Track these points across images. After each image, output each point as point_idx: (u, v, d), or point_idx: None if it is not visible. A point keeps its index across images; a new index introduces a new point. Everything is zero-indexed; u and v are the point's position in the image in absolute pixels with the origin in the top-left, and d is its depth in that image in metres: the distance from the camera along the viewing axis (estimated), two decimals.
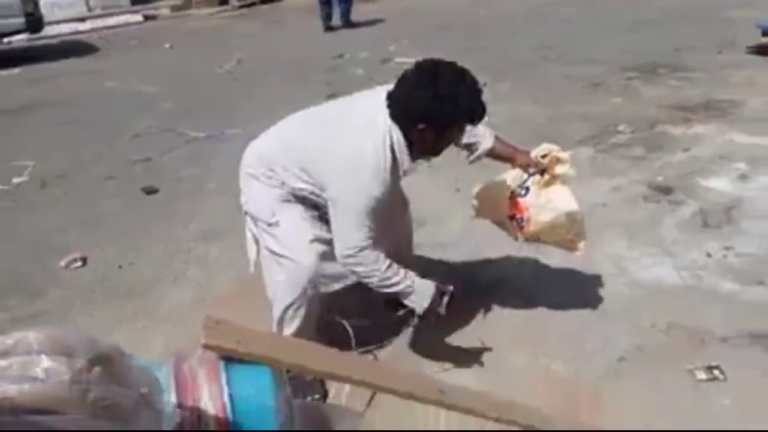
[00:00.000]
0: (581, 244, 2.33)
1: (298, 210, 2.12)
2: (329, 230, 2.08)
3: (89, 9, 12.29)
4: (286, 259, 2.08)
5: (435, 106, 1.88)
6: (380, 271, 1.99)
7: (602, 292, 2.64)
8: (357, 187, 1.93)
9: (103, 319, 2.71)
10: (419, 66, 1.97)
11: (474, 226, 2.93)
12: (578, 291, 2.66)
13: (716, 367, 2.14)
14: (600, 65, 6.07)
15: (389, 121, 1.96)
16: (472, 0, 11.11)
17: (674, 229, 3.09)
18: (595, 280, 2.72)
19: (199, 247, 3.30)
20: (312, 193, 2.09)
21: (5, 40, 9.41)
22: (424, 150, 2.04)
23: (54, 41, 10.39)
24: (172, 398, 1.21)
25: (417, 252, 2.71)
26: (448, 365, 2.27)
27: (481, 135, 2.28)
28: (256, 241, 2.26)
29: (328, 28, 9.06)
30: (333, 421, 1.52)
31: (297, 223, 2.10)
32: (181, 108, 5.94)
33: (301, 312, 2.10)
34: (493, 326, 2.48)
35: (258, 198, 2.15)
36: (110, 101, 6.44)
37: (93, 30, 11.34)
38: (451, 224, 3.27)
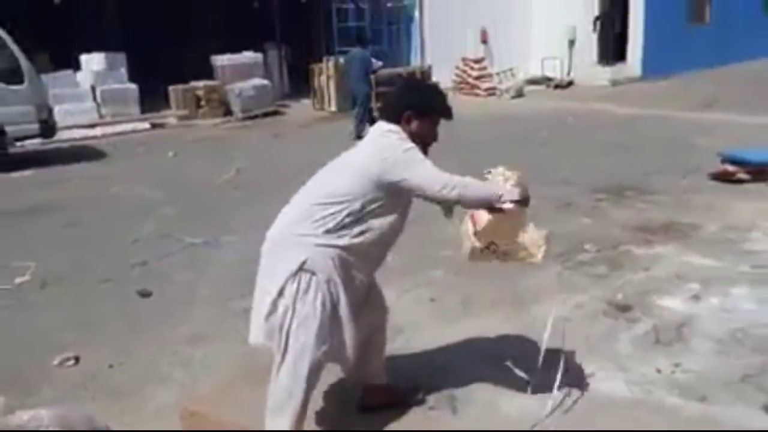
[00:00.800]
0: (540, 254, 2.70)
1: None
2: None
3: (101, 116, 13.03)
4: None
5: (416, 96, 2.56)
6: (466, 184, 2.39)
7: (557, 400, 2.85)
8: (400, 146, 2.39)
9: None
10: (406, 81, 2.56)
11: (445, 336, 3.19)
12: (534, 399, 2.86)
13: None
14: (572, 186, 6.54)
15: (388, 125, 2.47)
16: (458, 120, 11.89)
17: (629, 344, 3.34)
18: (550, 393, 2.93)
19: (186, 349, 3.51)
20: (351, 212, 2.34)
21: (18, 144, 9.96)
22: (412, 137, 2.46)
23: (65, 145, 10.96)
24: None
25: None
26: None
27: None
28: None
29: (358, 137, 9.77)
30: None
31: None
32: (181, 214, 6.30)
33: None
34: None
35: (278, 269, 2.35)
36: (114, 206, 6.82)
37: (103, 136, 11.99)
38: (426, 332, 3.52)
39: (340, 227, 2.33)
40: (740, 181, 6.27)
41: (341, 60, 14.22)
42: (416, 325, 3.64)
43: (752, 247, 4.55)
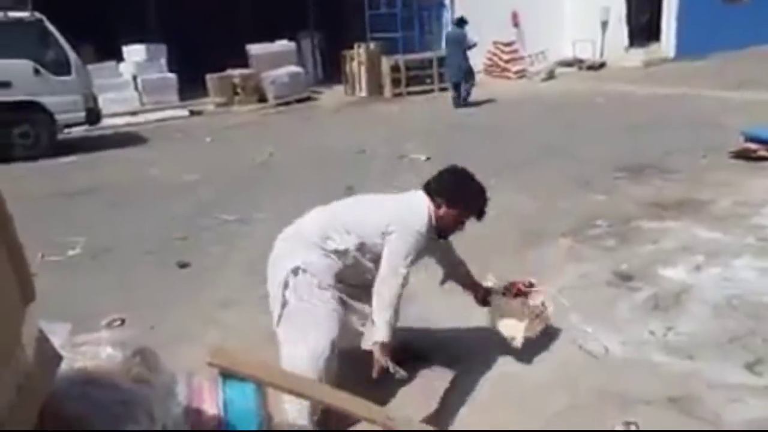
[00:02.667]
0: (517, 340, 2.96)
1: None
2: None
3: (142, 104, 13.60)
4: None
5: (468, 193, 2.74)
6: (397, 291, 2.58)
7: (554, 358, 3.09)
8: (413, 223, 2.61)
9: None
10: (458, 168, 2.86)
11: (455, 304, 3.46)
12: (535, 356, 3.11)
13: (633, 423, 2.55)
14: (593, 165, 6.68)
15: (425, 202, 2.70)
16: (488, 102, 12.05)
17: (627, 310, 3.54)
18: (551, 349, 3.17)
19: (218, 313, 3.86)
20: (358, 248, 2.59)
21: (66, 130, 10.54)
22: (440, 225, 2.70)
23: (108, 132, 11.54)
24: (183, 398, 1.75)
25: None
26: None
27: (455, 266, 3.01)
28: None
29: (458, 105, 11.63)
30: None
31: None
32: (216, 194, 6.69)
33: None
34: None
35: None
36: (154, 187, 7.26)
37: (144, 123, 12.55)
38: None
39: (345, 252, 2.59)
40: (761, 159, 6.30)
41: (372, 46, 14.47)
42: (429, 293, 3.90)
43: (761, 222, 4.66)
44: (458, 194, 2.71)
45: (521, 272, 4.08)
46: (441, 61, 14.40)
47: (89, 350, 1.40)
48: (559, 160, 7.11)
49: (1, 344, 1.05)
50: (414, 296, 3.76)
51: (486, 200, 2.80)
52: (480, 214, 2.78)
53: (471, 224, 4.98)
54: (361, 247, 2.61)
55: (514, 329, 3.02)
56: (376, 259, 2.62)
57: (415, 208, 2.68)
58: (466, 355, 3.16)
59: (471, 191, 2.76)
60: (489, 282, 3.35)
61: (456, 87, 11.74)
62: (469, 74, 11.71)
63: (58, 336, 1.38)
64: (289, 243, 2.67)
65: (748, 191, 5.37)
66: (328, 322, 2.50)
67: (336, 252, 2.59)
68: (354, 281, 2.67)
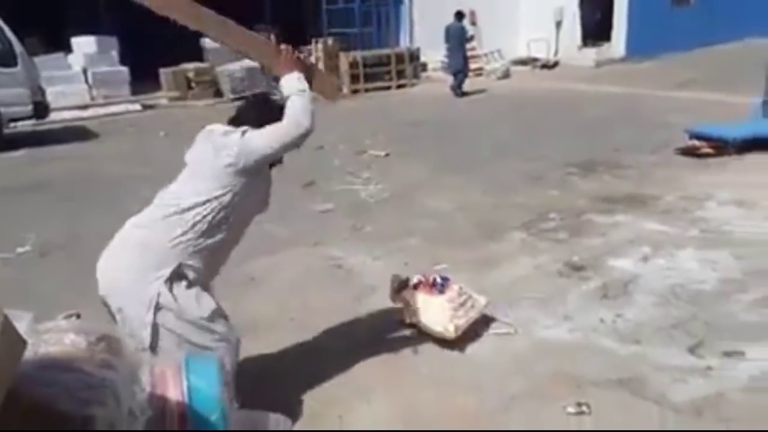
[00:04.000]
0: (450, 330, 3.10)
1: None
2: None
3: (92, 98, 13.23)
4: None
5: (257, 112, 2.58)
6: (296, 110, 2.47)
7: (508, 345, 3.20)
8: (241, 132, 2.43)
9: None
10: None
11: None
12: (489, 343, 3.21)
13: (585, 404, 2.67)
14: (546, 161, 6.87)
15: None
16: (444, 100, 12.21)
17: (578, 299, 3.68)
18: (504, 336, 3.28)
19: None
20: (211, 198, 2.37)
21: (12, 124, 10.18)
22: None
23: (57, 126, 11.19)
24: (147, 385, 1.75)
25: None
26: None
27: None
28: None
29: (458, 95, 12.37)
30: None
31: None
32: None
33: None
34: (415, 361, 3.02)
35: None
36: (106, 182, 7.10)
37: (94, 117, 12.22)
38: None
39: (207, 230, 2.37)
40: (705, 156, 6.60)
41: (330, 41, 14.44)
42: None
43: (704, 215, 4.89)
44: (250, 113, 2.60)
45: (476, 264, 4.21)
46: (399, 57, 14.51)
47: (53, 337, 1.40)
48: (514, 156, 7.27)
49: None
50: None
51: (275, 107, 2.60)
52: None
53: (427, 217, 5.12)
54: (218, 209, 2.37)
55: (440, 320, 3.13)
56: (252, 194, 2.47)
57: (211, 138, 2.51)
58: (419, 338, 3.24)
59: (261, 106, 2.69)
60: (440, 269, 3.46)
61: (456, 77, 12.43)
62: (465, 64, 12.54)
63: (21, 323, 1.38)
64: (141, 250, 2.37)
65: (693, 186, 5.62)
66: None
67: (199, 236, 2.36)
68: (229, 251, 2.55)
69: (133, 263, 2.36)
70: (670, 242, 4.39)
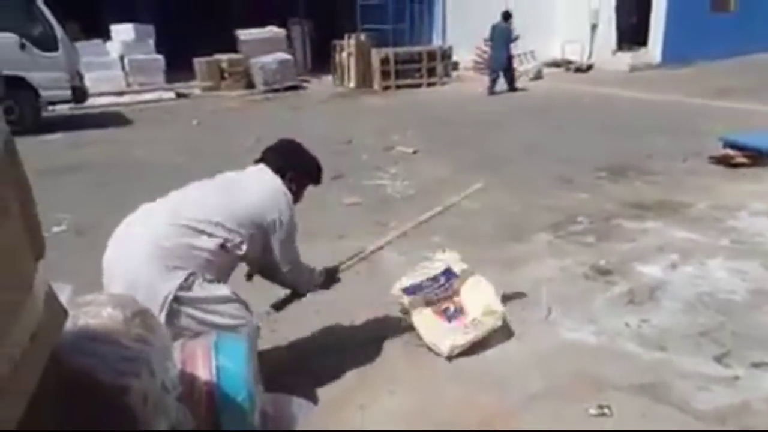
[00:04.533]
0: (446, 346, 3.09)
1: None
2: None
3: (128, 84, 13.49)
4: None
5: (304, 161, 2.85)
6: (308, 275, 2.85)
7: (531, 344, 3.19)
8: (286, 207, 2.62)
9: None
10: (288, 140, 2.95)
11: None
12: (513, 342, 3.21)
13: (606, 407, 2.66)
14: (576, 164, 6.81)
15: (280, 182, 2.69)
16: (475, 98, 12.17)
17: (603, 303, 3.65)
18: (528, 336, 3.28)
19: None
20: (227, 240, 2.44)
21: (50, 108, 10.44)
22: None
23: (94, 111, 11.44)
24: (178, 362, 1.81)
25: None
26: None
27: None
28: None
29: (492, 93, 12.59)
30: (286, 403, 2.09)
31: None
32: (201, 177, 6.68)
33: None
34: (433, 361, 3.03)
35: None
36: (139, 167, 7.25)
37: (129, 103, 12.46)
38: None
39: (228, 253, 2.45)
40: (739, 165, 6.48)
41: (362, 38, 14.49)
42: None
43: (736, 225, 4.81)
44: (301, 164, 2.82)
45: (500, 263, 4.21)
46: (430, 55, 14.49)
47: (92, 310, 1.45)
48: (544, 158, 7.23)
49: (15, 293, 1.10)
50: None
51: (320, 166, 2.93)
52: (318, 180, 2.94)
53: (453, 215, 5.09)
54: (234, 240, 2.46)
55: (437, 336, 3.12)
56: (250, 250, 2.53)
57: (278, 187, 2.64)
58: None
59: (310, 159, 2.88)
60: (442, 254, 3.48)
61: (494, 76, 12.70)
62: (509, 63, 12.85)
63: (62, 295, 1.43)
64: (152, 256, 2.34)
65: (725, 196, 5.52)
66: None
67: (210, 258, 2.40)
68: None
69: (152, 259, 2.33)
70: (700, 250, 4.33)
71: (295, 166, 2.77)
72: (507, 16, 12.75)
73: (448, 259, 3.42)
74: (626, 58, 15.71)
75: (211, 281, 2.39)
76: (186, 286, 2.29)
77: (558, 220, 5.05)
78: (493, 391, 2.81)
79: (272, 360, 3.03)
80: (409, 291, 3.25)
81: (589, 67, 15.93)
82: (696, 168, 6.56)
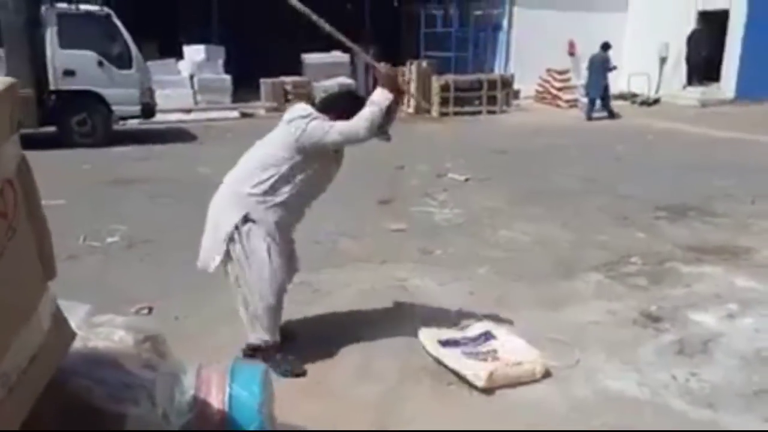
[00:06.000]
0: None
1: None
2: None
3: (196, 102, 14.01)
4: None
5: (344, 101, 3.16)
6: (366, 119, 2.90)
7: (568, 391, 3.05)
8: (302, 112, 2.98)
9: None
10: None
11: None
12: (550, 387, 3.08)
13: None
14: (635, 201, 6.57)
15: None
16: (535, 129, 11.99)
17: (651, 352, 3.46)
18: (567, 381, 3.13)
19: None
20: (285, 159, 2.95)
21: (121, 122, 10.94)
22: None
23: (161, 127, 11.91)
24: (191, 388, 1.80)
25: None
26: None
27: None
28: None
29: (590, 119, 13.25)
30: None
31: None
32: None
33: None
34: (467, 395, 2.93)
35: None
36: (199, 183, 7.41)
37: (195, 121, 12.92)
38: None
39: (275, 187, 2.94)
40: None
41: (424, 64, 14.57)
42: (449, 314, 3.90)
43: None
44: (334, 101, 3.18)
45: (545, 302, 4.06)
46: (491, 83, 14.42)
47: (103, 331, 1.47)
48: (600, 192, 7.02)
49: (18, 315, 1.12)
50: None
51: (359, 97, 3.14)
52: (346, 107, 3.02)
53: (500, 248, 4.98)
54: (285, 172, 2.94)
55: (472, 365, 3.06)
56: (306, 170, 2.98)
57: (295, 112, 3.01)
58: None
59: (343, 95, 3.36)
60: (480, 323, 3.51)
61: (592, 102, 13.43)
62: (606, 92, 13.46)
63: (77, 314, 1.45)
64: (229, 194, 3.05)
65: None
66: (272, 267, 2.98)
67: (267, 191, 2.95)
68: (295, 215, 3.12)
69: (223, 203, 3.06)
70: (762, 301, 4.06)
71: (329, 103, 3.17)
72: (606, 46, 13.37)
73: (485, 326, 3.45)
74: (696, 93, 15.17)
75: (262, 231, 2.96)
76: (242, 227, 2.95)
77: (610, 259, 4.86)
78: None
79: (297, 381, 3.03)
80: (444, 344, 3.24)
81: (656, 101, 15.46)
82: (764, 211, 6.20)
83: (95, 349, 1.39)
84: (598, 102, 13.40)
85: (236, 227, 2.93)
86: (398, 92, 3.05)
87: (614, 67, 13.46)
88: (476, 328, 3.43)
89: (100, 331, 1.47)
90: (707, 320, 3.81)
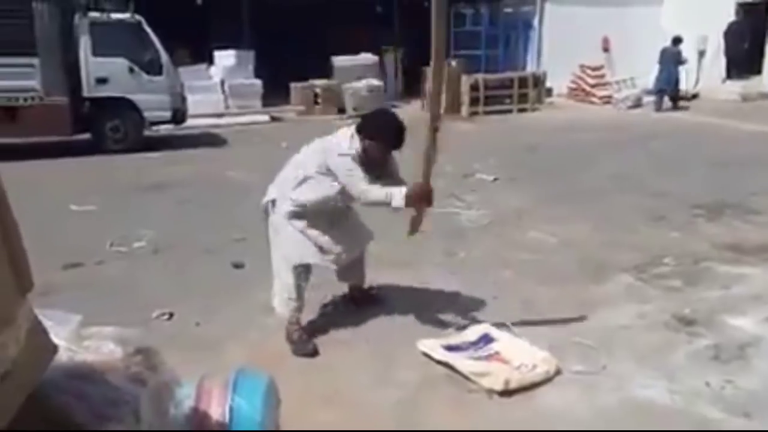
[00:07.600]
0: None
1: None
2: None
3: (227, 107, 14.14)
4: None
5: (376, 123, 3.28)
6: (373, 193, 3.16)
7: (595, 399, 2.92)
8: (336, 150, 3.22)
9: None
10: (381, 108, 3.76)
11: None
12: (574, 392, 2.95)
13: None
14: (671, 199, 6.35)
15: (351, 131, 3.26)
16: (567, 126, 11.74)
17: (683, 357, 3.30)
18: (594, 389, 3.00)
19: (262, 316, 3.90)
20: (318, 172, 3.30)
21: (153, 128, 11.10)
22: (367, 156, 3.21)
23: (193, 132, 12.05)
24: (192, 399, 1.76)
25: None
26: None
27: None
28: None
29: (659, 110, 13.52)
30: None
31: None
32: None
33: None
34: (488, 404, 2.83)
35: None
36: (226, 187, 7.49)
37: (226, 125, 13.03)
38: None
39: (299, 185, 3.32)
40: None
41: (453, 63, 14.42)
42: (473, 320, 3.79)
43: None
44: (373, 127, 3.21)
45: (572, 306, 3.92)
46: (522, 81, 14.18)
47: (93, 344, 1.43)
48: (634, 190, 6.80)
49: None
50: None
51: (401, 132, 3.18)
52: (395, 145, 3.21)
53: (527, 250, 4.84)
54: (311, 180, 3.30)
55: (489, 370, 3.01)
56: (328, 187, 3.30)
57: (335, 138, 3.28)
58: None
59: (383, 122, 3.25)
60: (477, 326, 3.48)
61: (660, 95, 13.62)
62: (676, 84, 13.60)
63: (66, 326, 1.42)
64: (275, 187, 3.50)
65: None
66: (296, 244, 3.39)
67: (300, 185, 3.33)
68: (321, 209, 3.37)
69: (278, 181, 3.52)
70: None
71: (367, 126, 3.23)
72: (677, 41, 13.53)
73: (483, 328, 3.43)
74: (737, 87, 14.65)
75: (300, 225, 3.39)
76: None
77: (643, 260, 4.68)
78: None
79: (315, 386, 2.97)
80: (447, 349, 3.21)
81: (694, 96, 14.98)
82: None
83: (81, 362, 1.35)
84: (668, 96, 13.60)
85: (272, 202, 3.41)
86: (427, 203, 3.25)
87: (686, 61, 13.65)
88: (474, 332, 3.40)
89: (89, 344, 1.43)
90: (745, 324, 3.63)
